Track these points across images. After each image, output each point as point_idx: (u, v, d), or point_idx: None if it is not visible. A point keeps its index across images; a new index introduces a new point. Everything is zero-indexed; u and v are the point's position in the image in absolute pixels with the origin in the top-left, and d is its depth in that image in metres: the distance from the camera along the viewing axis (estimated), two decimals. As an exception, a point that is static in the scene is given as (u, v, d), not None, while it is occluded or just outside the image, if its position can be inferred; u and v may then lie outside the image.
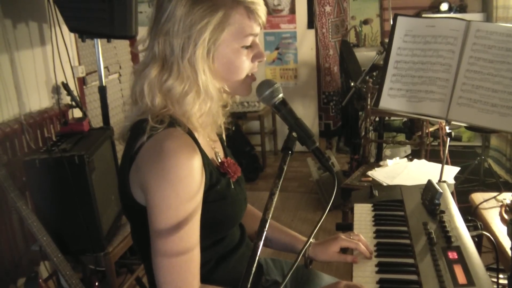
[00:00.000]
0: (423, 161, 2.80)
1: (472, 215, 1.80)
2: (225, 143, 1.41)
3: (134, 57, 4.16)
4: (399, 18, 1.90)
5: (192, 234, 1.10)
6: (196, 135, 1.18)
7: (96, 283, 2.24)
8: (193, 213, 1.09)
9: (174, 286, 1.10)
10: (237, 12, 1.13)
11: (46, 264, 2.40)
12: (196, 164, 1.08)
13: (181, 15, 1.10)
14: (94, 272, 2.40)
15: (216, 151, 1.30)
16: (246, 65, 1.19)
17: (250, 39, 1.17)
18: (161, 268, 1.09)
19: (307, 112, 5.08)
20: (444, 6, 4.57)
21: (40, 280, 2.01)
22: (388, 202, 1.61)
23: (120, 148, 1.25)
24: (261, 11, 1.16)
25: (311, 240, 1.41)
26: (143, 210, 1.11)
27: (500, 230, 1.70)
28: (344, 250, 1.40)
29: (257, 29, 1.18)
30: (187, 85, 1.13)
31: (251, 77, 1.22)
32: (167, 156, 1.06)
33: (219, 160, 1.28)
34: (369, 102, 3.17)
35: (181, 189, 1.06)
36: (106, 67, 3.61)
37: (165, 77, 1.13)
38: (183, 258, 1.09)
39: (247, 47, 1.18)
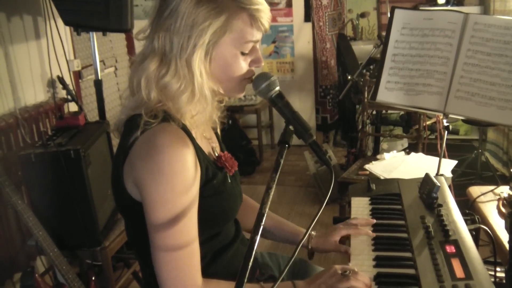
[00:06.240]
0: (420, 154, 2.80)
1: (469, 208, 1.80)
2: (220, 138, 1.40)
3: (130, 50, 4.14)
4: (397, 11, 1.89)
5: (191, 227, 1.10)
6: (191, 130, 1.17)
7: (93, 278, 2.23)
8: (190, 206, 1.09)
9: (179, 281, 1.09)
10: (240, 18, 1.12)
11: (42, 259, 2.40)
12: (189, 157, 1.08)
13: (184, 13, 1.08)
14: (91, 266, 2.40)
15: (212, 145, 1.29)
16: (243, 70, 1.18)
17: (250, 45, 1.16)
18: (163, 264, 1.08)
19: (304, 106, 5.07)
20: (441, -1, 4.55)
21: (37, 275, 2.01)
22: (386, 195, 1.61)
23: (116, 142, 1.24)
24: (265, 18, 1.15)
25: (312, 233, 1.43)
26: (138, 206, 1.10)
27: (497, 224, 1.70)
28: (343, 241, 1.41)
29: (258, 36, 1.16)
30: (183, 85, 1.12)
31: (247, 80, 1.21)
32: (161, 150, 1.05)
33: (216, 155, 1.27)
34: (366, 96, 3.16)
35: (177, 182, 1.06)
36: (102, 61, 3.59)
37: (162, 73, 1.12)
38: (184, 252, 1.09)
39: (246, 53, 1.16)
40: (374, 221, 1.42)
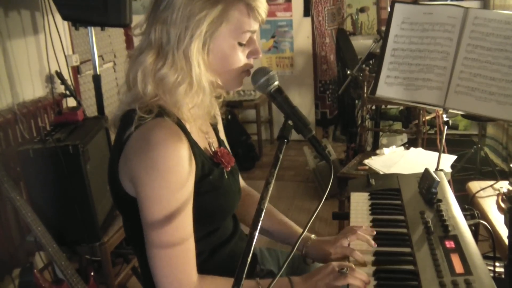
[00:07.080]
0: (420, 149, 2.79)
1: (469, 203, 1.79)
2: (219, 133, 1.40)
3: (129, 45, 4.12)
4: (397, 5, 1.88)
5: (186, 224, 1.10)
6: (187, 125, 1.17)
7: (92, 273, 2.23)
8: (185, 202, 1.08)
9: (174, 278, 1.08)
10: (237, 8, 1.12)
11: (41, 254, 2.40)
12: (184, 153, 1.07)
13: (180, 4, 1.08)
14: (90, 262, 2.40)
15: (209, 141, 1.28)
16: (241, 61, 1.17)
17: (247, 36, 1.16)
18: (158, 261, 1.08)
19: (303, 101, 5.06)
20: (441, -6, 4.54)
21: (35, 271, 2.01)
22: (385, 191, 1.60)
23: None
24: (262, 8, 1.15)
25: (312, 236, 1.41)
26: (134, 202, 1.10)
27: (496, 219, 1.70)
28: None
29: (255, 26, 1.16)
30: (180, 76, 1.11)
31: (245, 73, 1.21)
32: (155, 146, 1.05)
33: (213, 150, 1.26)
34: (365, 91, 3.15)
35: (171, 178, 1.05)
36: (100, 56, 3.58)
37: (159, 65, 1.12)
38: (179, 249, 1.08)
39: (243, 44, 1.16)
40: (375, 232, 1.34)
